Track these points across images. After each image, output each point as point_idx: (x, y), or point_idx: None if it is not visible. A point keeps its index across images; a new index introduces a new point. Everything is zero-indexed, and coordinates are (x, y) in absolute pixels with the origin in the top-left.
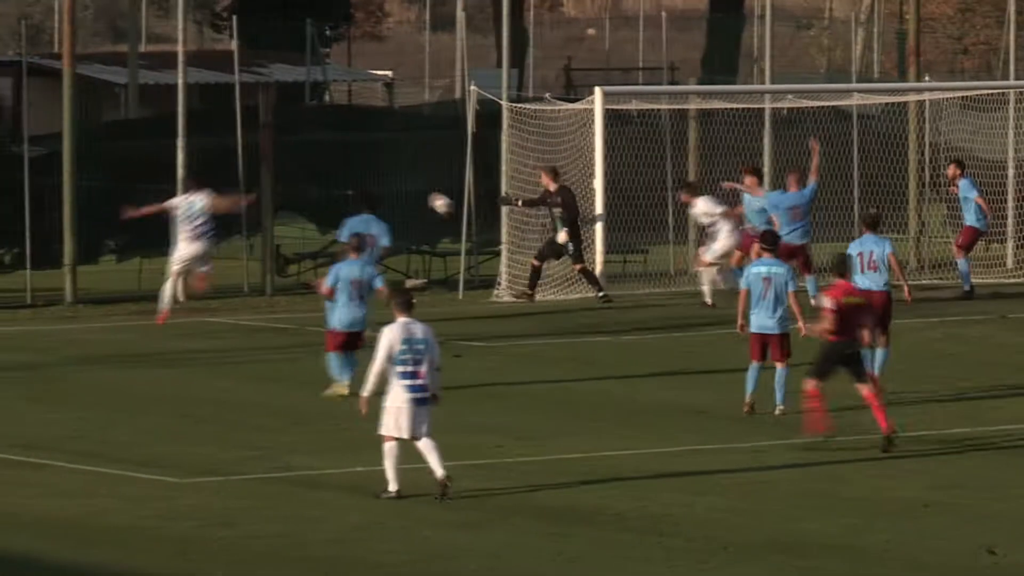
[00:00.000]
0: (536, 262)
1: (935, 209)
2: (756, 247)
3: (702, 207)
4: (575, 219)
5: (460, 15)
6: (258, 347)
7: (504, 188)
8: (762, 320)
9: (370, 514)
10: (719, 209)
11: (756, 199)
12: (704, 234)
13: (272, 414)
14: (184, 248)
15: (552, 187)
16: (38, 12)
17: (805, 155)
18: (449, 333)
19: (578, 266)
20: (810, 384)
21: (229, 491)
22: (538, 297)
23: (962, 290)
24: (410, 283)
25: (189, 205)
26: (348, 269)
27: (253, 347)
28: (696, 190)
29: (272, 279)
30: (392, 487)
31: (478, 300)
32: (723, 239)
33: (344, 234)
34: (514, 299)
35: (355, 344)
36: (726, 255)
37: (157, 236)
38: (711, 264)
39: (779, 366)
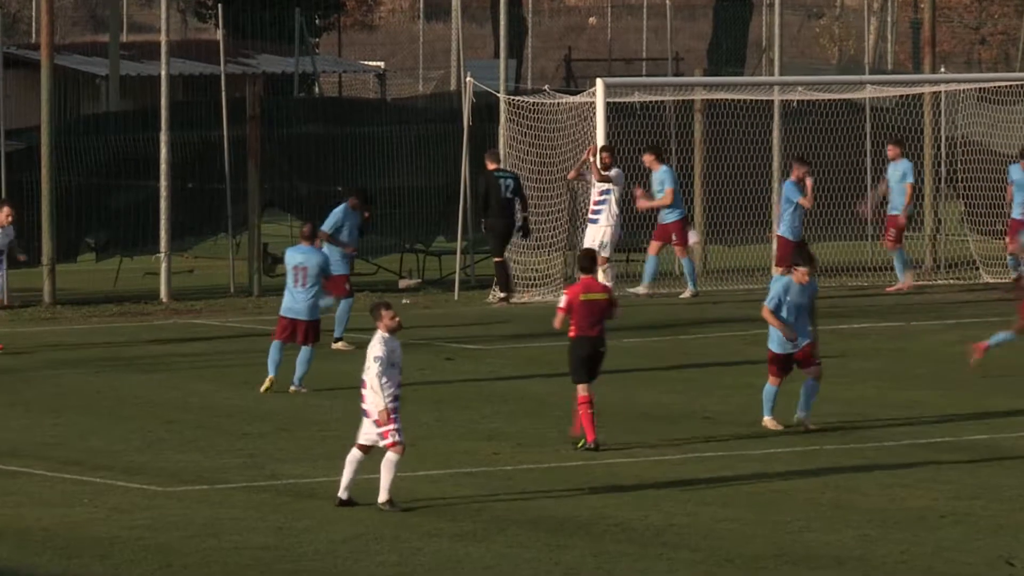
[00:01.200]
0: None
1: (952, 206)
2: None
3: (613, 177)
4: (486, 208)
5: (455, 3)
6: (244, 350)
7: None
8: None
9: (360, 525)
10: (610, 193)
11: (656, 174)
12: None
13: (258, 419)
14: None
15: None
16: (15, 1)
17: (815, 149)
18: (443, 335)
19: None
20: (582, 390)
21: (214, 500)
22: (526, 298)
23: None
24: (403, 283)
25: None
26: (290, 255)
27: (239, 350)
28: (616, 157)
29: (259, 279)
30: (340, 492)
31: (474, 301)
32: (602, 228)
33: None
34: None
35: (303, 336)
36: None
37: (138, 233)
38: (607, 260)
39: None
